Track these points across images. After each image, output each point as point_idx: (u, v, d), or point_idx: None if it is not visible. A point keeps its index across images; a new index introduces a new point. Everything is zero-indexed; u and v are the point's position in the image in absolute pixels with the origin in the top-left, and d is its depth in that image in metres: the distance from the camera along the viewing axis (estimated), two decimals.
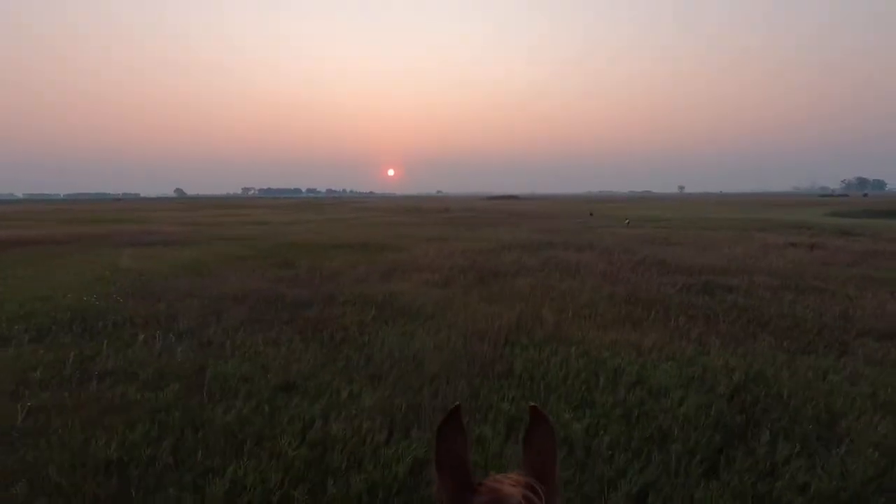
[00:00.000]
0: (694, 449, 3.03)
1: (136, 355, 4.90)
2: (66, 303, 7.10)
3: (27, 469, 2.90)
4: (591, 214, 34.53)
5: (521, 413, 3.45)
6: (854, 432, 3.23)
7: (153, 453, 3.05)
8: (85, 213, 42.30)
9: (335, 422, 3.37)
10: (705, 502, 2.57)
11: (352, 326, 5.89)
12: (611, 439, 3.12)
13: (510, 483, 0.71)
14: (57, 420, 3.47)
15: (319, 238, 17.02)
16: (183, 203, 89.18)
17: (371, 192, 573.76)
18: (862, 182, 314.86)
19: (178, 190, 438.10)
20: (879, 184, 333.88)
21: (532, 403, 0.84)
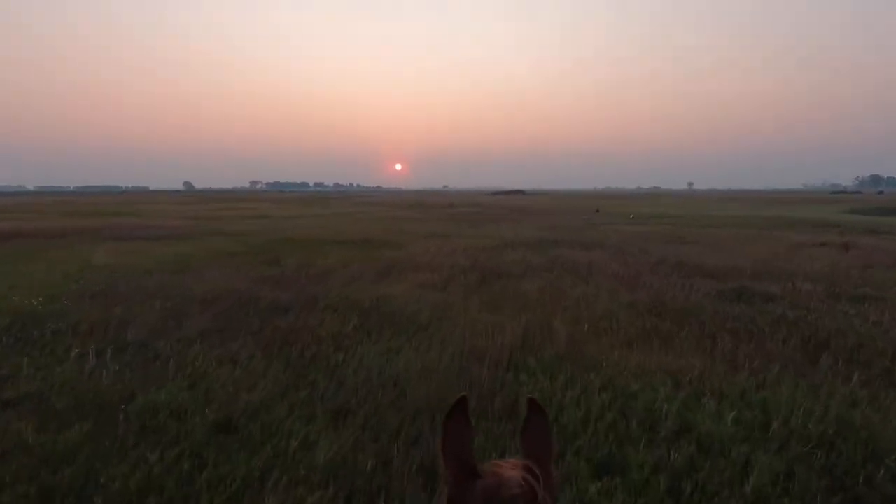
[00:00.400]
0: None
1: (61, 376, 4.03)
2: (13, 305, 6.27)
3: None
4: (597, 211, 33.41)
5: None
6: None
7: None
8: (88, 205, 41.75)
9: (273, 492, 2.47)
10: None
11: (328, 340, 4.98)
12: None
13: (510, 467, 0.76)
14: None
15: (318, 233, 16.16)
16: (189, 196, 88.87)
17: (378, 187, 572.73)
18: (876, 179, 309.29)
19: (186, 183, 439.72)
20: (894, 181, 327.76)
21: (530, 395, 0.91)
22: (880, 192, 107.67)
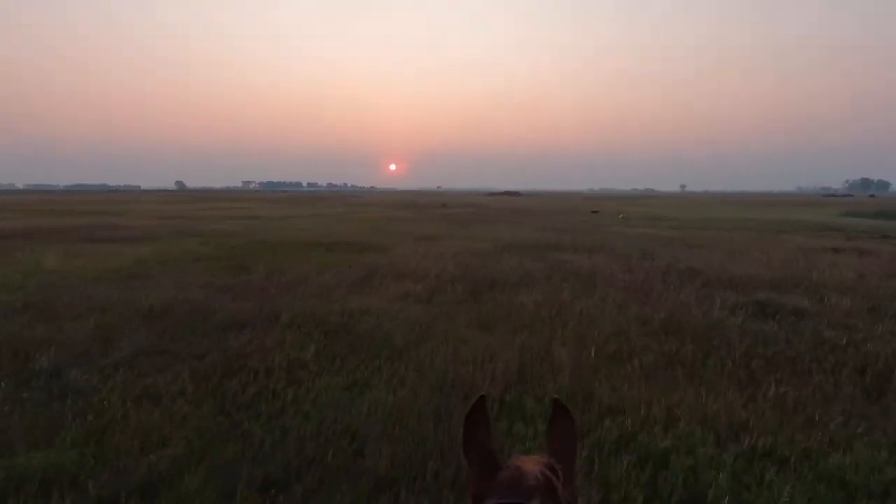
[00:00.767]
0: None
1: None
2: None
3: None
4: (595, 212, 32.65)
5: None
6: None
7: None
8: (71, 204, 40.31)
9: None
10: None
11: (280, 369, 4.09)
12: None
13: (531, 462, 0.76)
14: None
15: (300, 235, 15.20)
16: (178, 195, 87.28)
17: (372, 187, 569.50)
18: (866, 182, 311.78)
19: (178, 182, 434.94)
20: (883, 184, 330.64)
21: (555, 396, 0.92)
22: (872, 196, 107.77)
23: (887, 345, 4.58)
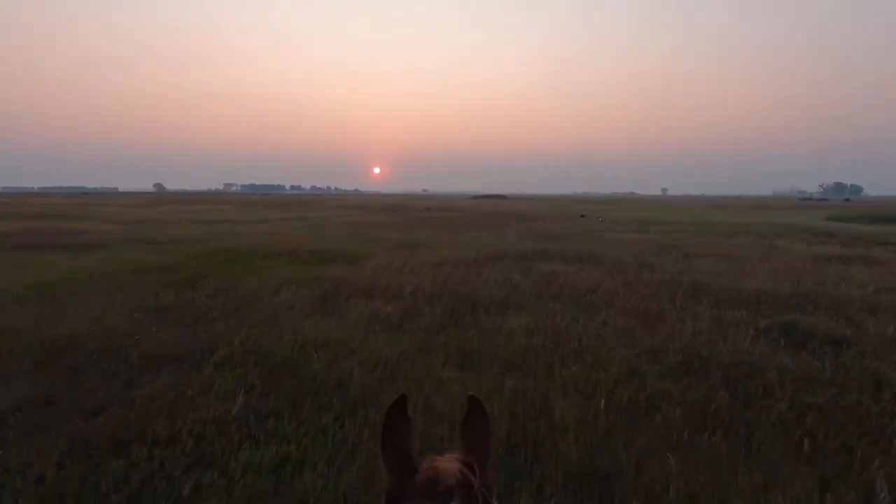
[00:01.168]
0: None
1: None
2: None
3: None
4: (582, 216, 31.97)
5: None
6: None
7: None
8: (39, 206, 38.09)
9: None
10: None
11: (188, 437, 3.03)
12: None
13: (447, 461, 0.75)
14: None
15: (266, 242, 14.00)
16: (154, 197, 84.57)
17: (356, 190, 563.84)
18: (839, 187, 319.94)
19: (157, 185, 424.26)
20: (856, 188, 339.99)
21: (471, 393, 0.87)
22: (847, 200, 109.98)
23: None
